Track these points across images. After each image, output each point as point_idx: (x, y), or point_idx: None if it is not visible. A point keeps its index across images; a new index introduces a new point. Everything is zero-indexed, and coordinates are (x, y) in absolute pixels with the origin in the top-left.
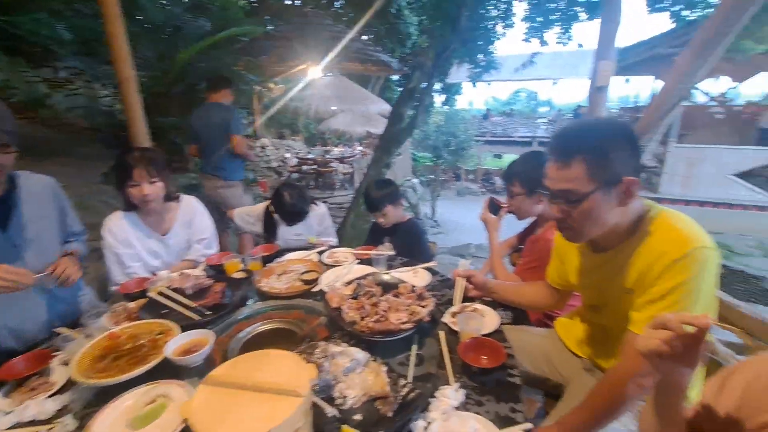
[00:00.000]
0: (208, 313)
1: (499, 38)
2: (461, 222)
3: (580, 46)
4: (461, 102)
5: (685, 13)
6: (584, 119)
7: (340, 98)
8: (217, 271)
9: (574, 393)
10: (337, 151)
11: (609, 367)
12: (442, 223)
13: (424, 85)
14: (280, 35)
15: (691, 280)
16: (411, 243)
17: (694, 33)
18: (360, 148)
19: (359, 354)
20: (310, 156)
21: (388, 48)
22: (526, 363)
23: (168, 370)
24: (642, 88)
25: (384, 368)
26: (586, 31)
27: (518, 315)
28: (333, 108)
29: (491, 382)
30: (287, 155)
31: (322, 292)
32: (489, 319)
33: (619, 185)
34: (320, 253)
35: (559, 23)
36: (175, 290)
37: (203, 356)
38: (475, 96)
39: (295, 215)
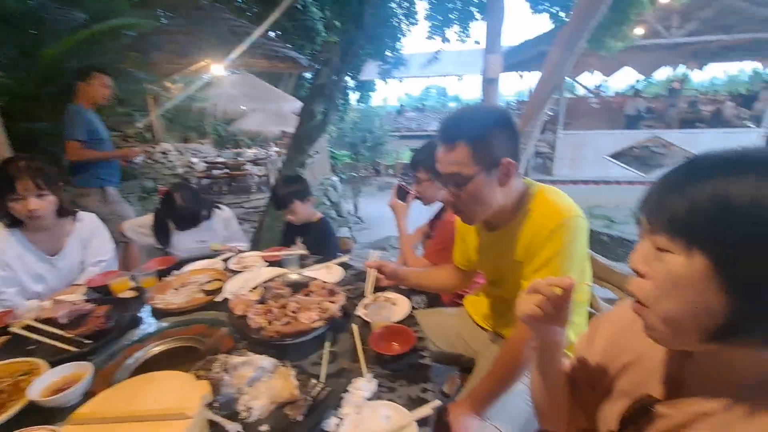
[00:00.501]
0: (88, 342)
1: (405, 35)
2: (384, 216)
3: (477, 43)
4: (376, 99)
5: (561, 14)
6: (467, 106)
7: (250, 97)
8: (102, 294)
9: (483, 364)
10: (250, 153)
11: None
12: (366, 219)
13: (333, 80)
14: (175, 30)
15: (566, 246)
16: (322, 241)
17: (563, 27)
18: (275, 148)
19: (265, 361)
20: (220, 159)
21: (297, 44)
22: (440, 343)
23: (43, 415)
24: (534, 83)
25: (293, 372)
26: (483, 30)
27: (432, 299)
28: (243, 108)
29: (404, 367)
30: (194, 160)
31: (227, 301)
32: (400, 307)
33: (500, 167)
34: (227, 260)
35: (458, 22)
36: (45, 321)
37: (79, 393)
38: (388, 93)
39: (189, 219)
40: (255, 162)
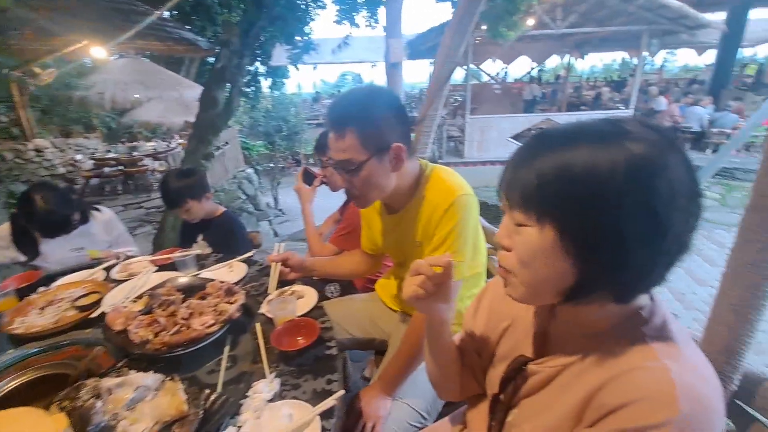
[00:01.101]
0: None
1: (313, 19)
2: None
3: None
4: (290, 86)
5: None
6: (354, 90)
7: (145, 84)
8: None
9: (394, 344)
10: (149, 146)
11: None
12: (287, 211)
13: (235, 64)
14: (38, 5)
15: (459, 223)
16: (228, 237)
17: (453, 12)
18: (180, 140)
19: (147, 379)
20: (111, 155)
21: (197, 26)
22: (353, 330)
23: None
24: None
25: (181, 386)
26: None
27: (345, 287)
28: (136, 96)
29: (309, 361)
30: (78, 157)
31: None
32: (307, 299)
33: (390, 151)
34: (108, 269)
35: (365, 7)
36: None
37: None
38: (303, 80)
39: (55, 226)
40: (154, 156)
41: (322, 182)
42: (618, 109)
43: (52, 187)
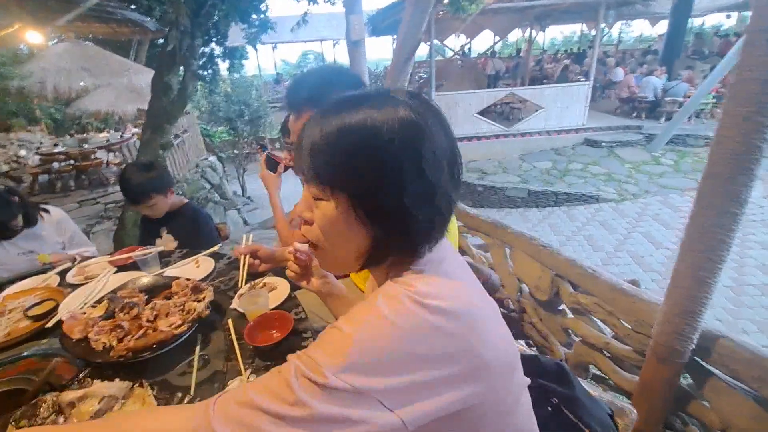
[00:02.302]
0: None
1: None
2: None
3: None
4: (249, 68)
5: None
6: (312, 71)
7: (90, 71)
8: None
9: None
10: (101, 138)
11: None
12: (256, 198)
13: (187, 45)
14: None
15: None
16: (193, 229)
17: None
18: (134, 130)
19: (112, 388)
20: (59, 149)
21: (143, 5)
22: (328, 317)
23: None
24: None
25: (150, 391)
26: None
27: None
28: (81, 84)
29: (285, 354)
30: (22, 153)
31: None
32: (279, 290)
33: None
34: (63, 273)
35: None
36: None
37: None
38: (263, 61)
39: None
40: (108, 148)
41: (288, 167)
42: (579, 81)
43: None
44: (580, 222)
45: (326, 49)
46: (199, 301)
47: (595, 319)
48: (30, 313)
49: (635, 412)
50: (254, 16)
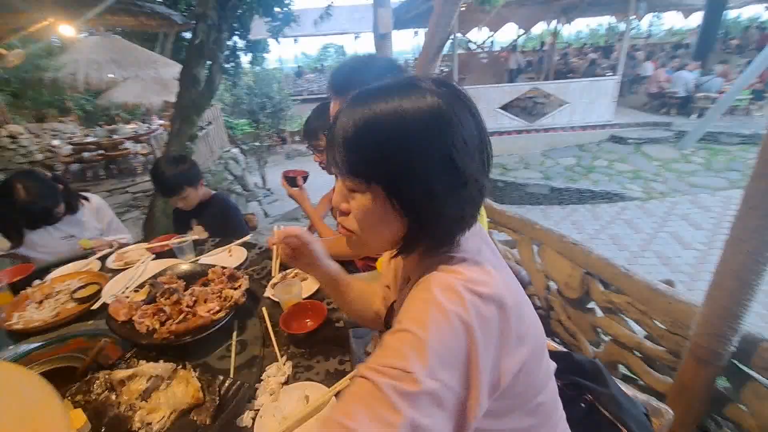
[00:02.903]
0: None
1: None
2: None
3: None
4: (270, 61)
5: None
6: (355, 57)
7: (119, 63)
8: None
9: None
10: (129, 129)
11: None
12: (276, 190)
13: (215, 39)
14: None
15: None
16: (223, 220)
17: None
18: (160, 121)
19: (158, 368)
20: (90, 139)
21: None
22: None
23: None
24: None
25: (194, 373)
26: None
27: (347, 267)
28: (110, 76)
29: (319, 342)
30: (56, 142)
31: (107, 307)
32: (311, 280)
33: None
34: (103, 258)
35: None
36: None
37: None
38: (284, 53)
39: (39, 217)
40: (136, 139)
41: (321, 166)
42: (606, 75)
43: (35, 176)
44: (605, 220)
45: (347, 41)
46: (235, 289)
47: (626, 318)
48: (76, 295)
49: (671, 412)
50: (278, 9)
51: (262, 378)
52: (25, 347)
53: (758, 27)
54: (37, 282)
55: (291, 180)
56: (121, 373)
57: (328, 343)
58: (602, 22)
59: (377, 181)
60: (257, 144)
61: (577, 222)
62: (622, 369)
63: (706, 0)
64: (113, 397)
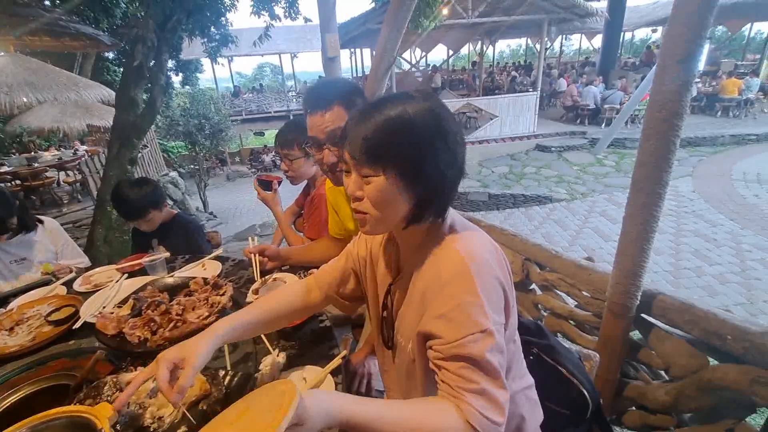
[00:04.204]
0: None
1: (229, 11)
2: (238, 207)
3: (308, 20)
4: (203, 81)
5: None
6: (325, 79)
7: (34, 86)
8: None
9: None
10: (49, 156)
11: None
12: (219, 213)
13: (152, 62)
14: None
15: None
16: (187, 239)
17: (388, 9)
18: (84, 147)
19: None
20: (5, 169)
21: (89, 18)
22: (332, 308)
23: None
24: (361, 59)
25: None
26: (313, 7)
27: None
28: (24, 99)
29: (307, 334)
30: None
31: (88, 326)
32: (290, 283)
33: None
34: (68, 283)
35: None
36: None
37: None
38: (218, 73)
39: None
40: (60, 167)
41: (287, 175)
42: (528, 91)
43: None
44: (537, 221)
45: (284, 61)
46: (221, 295)
47: (559, 293)
48: (51, 318)
49: (598, 355)
50: (214, 30)
51: (259, 369)
52: (6, 373)
53: (647, 47)
54: (0, 310)
55: (265, 184)
56: (128, 376)
57: (315, 335)
58: (522, 43)
59: (392, 165)
60: (196, 167)
61: (514, 224)
62: (560, 338)
63: (605, 24)
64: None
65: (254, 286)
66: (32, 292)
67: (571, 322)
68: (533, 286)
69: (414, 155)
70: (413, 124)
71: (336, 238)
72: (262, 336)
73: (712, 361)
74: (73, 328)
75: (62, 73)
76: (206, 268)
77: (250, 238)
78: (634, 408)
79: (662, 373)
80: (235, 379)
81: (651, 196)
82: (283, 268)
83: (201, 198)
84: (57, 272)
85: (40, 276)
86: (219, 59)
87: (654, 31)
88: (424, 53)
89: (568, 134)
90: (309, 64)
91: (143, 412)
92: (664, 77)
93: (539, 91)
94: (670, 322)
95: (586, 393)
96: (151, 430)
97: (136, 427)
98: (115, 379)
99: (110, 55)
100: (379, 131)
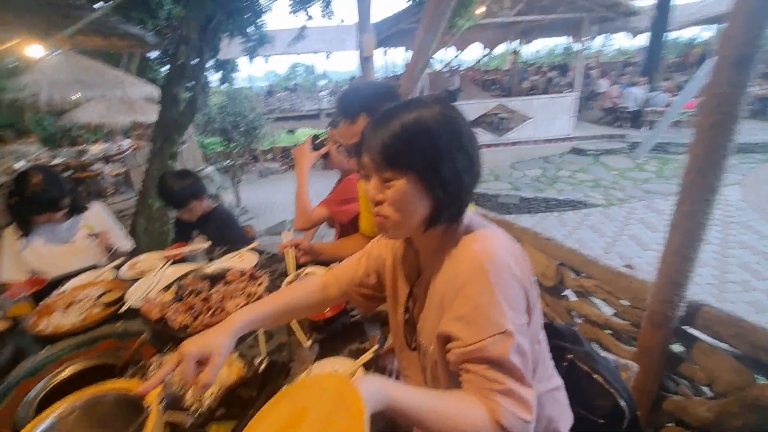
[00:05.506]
0: None
1: (266, 11)
2: (270, 202)
3: (342, 21)
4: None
5: None
6: (359, 83)
7: (84, 83)
8: None
9: None
10: (97, 149)
11: None
12: (251, 209)
13: (195, 61)
14: None
15: None
16: (225, 231)
17: (424, 11)
18: (128, 141)
19: None
20: (57, 161)
21: (135, 19)
22: None
23: None
24: (396, 58)
25: (235, 354)
26: (347, 7)
27: None
28: (75, 96)
29: (338, 328)
30: (18, 165)
31: (133, 311)
32: (309, 278)
33: None
34: (117, 269)
35: None
36: None
37: None
38: (252, 73)
39: (46, 203)
40: (107, 159)
41: (323, 156)
42: (564, 92)
43: (46, 170)
44: (571, 226)
45: (317, 60)
46: (259, 286)
47: (595, 300)
48: (102, 300)
49: (636, 365)
50: (252, 30)
51: (293, 359)
52: (57, 350)
53: (695, 47)
54: (57, 292)
55: (318, 144)
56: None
57: (347, 329)
58: (559, 42)
59: (410, 168)
60: (230, 163)
61: (546, 229)
62: (594, 346)
63: (650, 22)
64: (169, 376)
65: (288, 279)
66: (83, 275)
67: (607, 330)
68: (566, 291)
69: (433, 158)
70: (429, 127)
71: (367, 236)
72: (295, 327)
73: (760, 378)
74: (119, 312)
75: (109, 70)
76: (243, 259)
77: (283, 233)
78: (672, 424)
79: (704, 388)
80: (270, 365)
81: (699, 204)
82: (315, 263)
83: (234, 193)
84: (97, 234)
85: (86, 239)
86: (255, 59)
87: (704, 30)
88: (459, 51)
89: (606, 137)
90: (341, 65)
91: (185, 393)
92: (719, 78)
93: (579, 92)
94: (715, 336)
95: (623, 403)
96: (192, 410)
97: (178, 406)
98: (160, 360)
99: (153, 55)
100: (398, 135)
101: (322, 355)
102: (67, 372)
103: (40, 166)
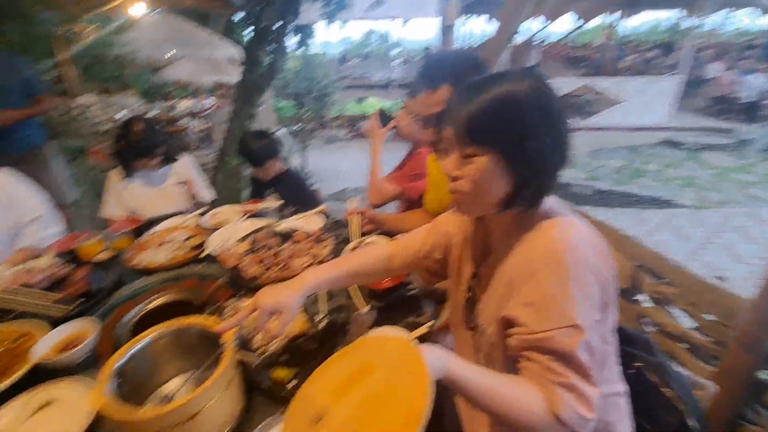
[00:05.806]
0: (80, 300)
1: None
2: (335, 169)
3: None
4: (314, 45)
5: None
6: (443, 51)
7: (177, 42)
8: (68, 259)
9: None
10: (184, 105)
11: None
12: (316, 173)
13: (278, 24)
14: None
15: None
16: (296, 192)
17: None
18: (211, 99)
19: None
20: (153, 113)
21: None
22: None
23: (48, 376)
24: (474, 28)
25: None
26: None
27: None
28: (169, 54)
29: (395, 300)
30: (118, 116)
31: (211, 257)
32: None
33: None
34: (201, 215)
35: None
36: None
37: (87, 350)
38: (327, 39)
39: (142, 148)
40: (194, 115)
41: (393, 127)
42: (667, 73)
43: (146, 120)
44: (651, 226)
45: (393, 27)
46: (324, 248)
47: (672, 310)
48: (188, 243)
49: (714, 386)
50: None
51: (350, 320)
52: (150, 282)
53: None
54: (149, 232)
55: (385, 118)
56: (244, 303)
57: (403, 301)
58: (663, 17)
59: (493, 144)
60: (302, 126)
61: (622, 226)
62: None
63: None
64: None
65: (350, 246)
66: (171, 219)
67: (684, 344)
68: (639, 296)
69: (519, 135)
70: (519, 102)
71: (430, 213)
72: (354, 293)
73: None
74: (200, 256)
75: (199, 30)
76: (309, 222)
77: (348, 201)
78: None
79: None
80: (330, 323)
81: None
82: (378, 232)
83: (301, 157)
84: (186, 183)
85: (175, 186)
86: (332, 24)
87: None
88: (549, 21)
89: (708, 130)
90: (417, 33)
91: (253, 337)
92: None
93: (686, 75)
94: None
95: (692, 423)
96: (258, 353)
97: (248, 347)
98: (234, 304)
99: (237, 17)
100: (485, 110)
101: (377, 323)
102: (157, 302)
103: (141, 116)
